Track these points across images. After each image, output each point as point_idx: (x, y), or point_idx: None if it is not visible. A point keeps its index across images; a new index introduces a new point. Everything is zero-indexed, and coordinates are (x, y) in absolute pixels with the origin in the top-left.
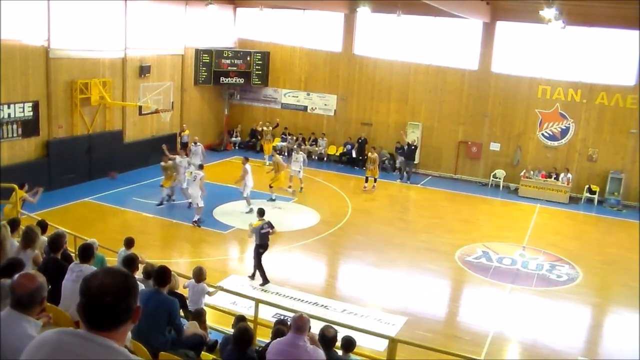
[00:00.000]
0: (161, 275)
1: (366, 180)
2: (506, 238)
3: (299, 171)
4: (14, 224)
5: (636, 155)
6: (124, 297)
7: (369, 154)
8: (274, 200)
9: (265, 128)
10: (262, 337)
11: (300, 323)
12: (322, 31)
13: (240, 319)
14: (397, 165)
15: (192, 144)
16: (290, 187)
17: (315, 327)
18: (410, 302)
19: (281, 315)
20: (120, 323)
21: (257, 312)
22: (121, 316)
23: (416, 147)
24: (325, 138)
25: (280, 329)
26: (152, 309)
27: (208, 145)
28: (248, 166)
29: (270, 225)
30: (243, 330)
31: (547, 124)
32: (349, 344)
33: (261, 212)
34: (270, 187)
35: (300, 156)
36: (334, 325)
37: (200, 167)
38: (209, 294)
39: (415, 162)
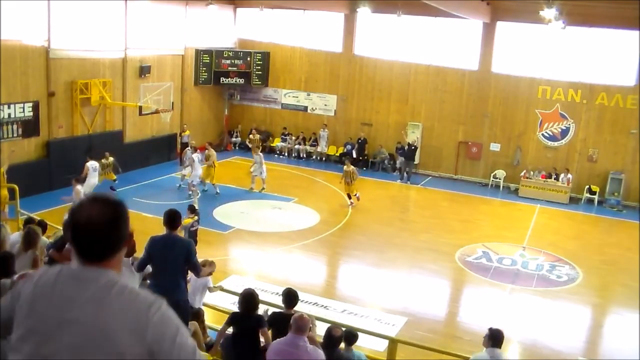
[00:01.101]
0: (172, 217)
1: (349, 197)
2: (506, 238)
3: (260, 171)
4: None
5: (636, 156)
6: (114, 226)
7: (344, 167)
8: (214, 193)
9: (252, 137)
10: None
11: (301, 323)
12: (322, 31)
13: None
14: (397, 165)
15: (189, 148)
16: (264, 188)
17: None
18: (410, 302)
19: None
20: (113, 252)
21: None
22: (113, 245)
23: (416, 148)
24: (327, 129)
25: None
26: (171, 251)
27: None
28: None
29: (198, 222)
30: (249, 296)
31: (547, 124)
32: (351, 337)
33: (192, 209)
34: (206, 181)
35: (258, 157)
36: None
37: (77, 180)
38: (210, 289)
39: (416, 162)
